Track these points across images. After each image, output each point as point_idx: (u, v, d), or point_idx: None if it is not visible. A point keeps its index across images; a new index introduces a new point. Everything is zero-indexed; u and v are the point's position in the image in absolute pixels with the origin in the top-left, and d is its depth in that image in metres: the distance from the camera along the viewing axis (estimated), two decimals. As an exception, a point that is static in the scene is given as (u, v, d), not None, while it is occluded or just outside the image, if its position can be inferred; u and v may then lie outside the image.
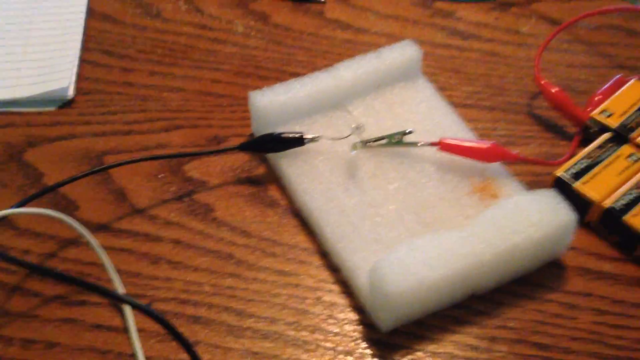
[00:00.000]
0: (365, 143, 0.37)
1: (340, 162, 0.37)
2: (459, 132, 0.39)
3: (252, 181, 0.38)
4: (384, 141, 0.37)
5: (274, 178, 0.38)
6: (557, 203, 0.33)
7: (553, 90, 0.40)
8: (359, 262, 0.33)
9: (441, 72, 0.45)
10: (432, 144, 0.37)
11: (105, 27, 0.47)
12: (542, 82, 0.41)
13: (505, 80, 0.45)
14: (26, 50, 0.44)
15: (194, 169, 0.39)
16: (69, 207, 0.37)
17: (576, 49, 0.47)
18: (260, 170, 0.39)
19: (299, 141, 0.37)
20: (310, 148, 0.37)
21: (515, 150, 0.38)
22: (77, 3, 0.48)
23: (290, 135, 0.37)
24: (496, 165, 0.37)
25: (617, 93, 0.41)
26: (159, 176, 0.38)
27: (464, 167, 0.37)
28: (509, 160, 0.37)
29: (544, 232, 0.32)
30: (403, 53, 0.41)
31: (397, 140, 0.37)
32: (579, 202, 0.35)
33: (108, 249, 0.34)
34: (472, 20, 0.49)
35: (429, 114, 0.40)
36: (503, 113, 0.42)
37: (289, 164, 0.37)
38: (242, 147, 0.38)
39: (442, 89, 0.42)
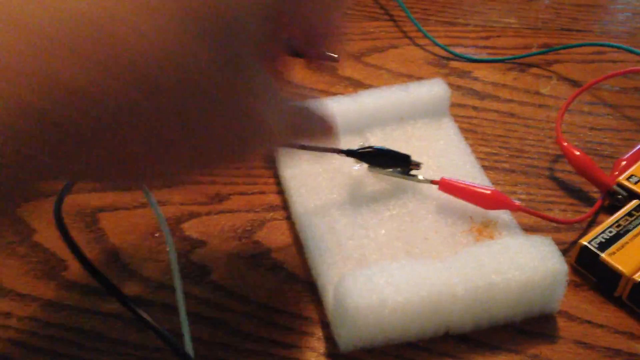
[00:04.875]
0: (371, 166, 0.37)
1: (342, 180, 0.37)
2: (473, 176, 0.37)
3: (254, 242, 0.36)
4: (390, 169, 0.36)
5: (276, 239, 0.36)
6: (550, 251, 0.31)
7: (576, 153, 0.38)
8: (333, 278, 0.31)
9: (457, 133, 0.43)
10: (433, 182, 0.35)
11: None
12: (565, 145, 0.39)
13: (524, 142, 0.42)
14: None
15: (192, 228, 0.36)
16: (59, 265, 0.34)
17: (599, 111, 0.45)
18: (263, 232, 0.36)
19: (404, 161, 0.35)
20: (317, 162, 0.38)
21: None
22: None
23: (400, 153, 0.36)
24: (503, 212, 0.35)
25: (645, 158, 0.38)
26: (155, 235, 0.36)
27: (468, 207, 0.35)
28: (511, 209, 0.35)
29: (527, 277, 0.30)
30: (431, 90, 0.41)
31: (402, 169, 0.36)
32: (606, 274, 0.33)
33: (95, 313, 0.32)
34: (489, 80, 0.47)
35: (445, 153, 0.39)
36: (523, 176, 0.40)
37: (292, 173, 0.37)
38: (349, 153, 0.35)
39: (472, 152, 0.40)
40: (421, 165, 0.36)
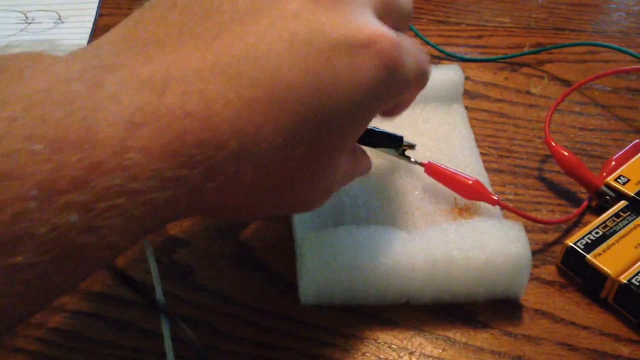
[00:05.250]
0: None
1: None
2: (468, 163, 0.37)
3: (237, 242, 0.35)
4: (382, 148, 0.36)
5: (260, 240, 0.36)
6: (516, 235, 0.31)
7: (565, 154, 0.38)
8: (307, 234, 0.32)
9: (446, 132, 0.42)
10: (421, 164, 0.36)
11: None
12: (553, 145, 0.38)
13: (514, 142, 0.42)
14: None
15: (176, 227, 0.36)
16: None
17: (590, 111, 0.45)
18: (247, 232, 0.36)
19: (396, 142, 0.36)
20: None
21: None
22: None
23: (392, 134, 0.36)
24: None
25: (634, 158, 0.38)
26: (139, 234, 0.36)
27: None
28: (488, 203, 0.35)
29: (487, 257, 0.30)
30: (445, 74, 0.41)
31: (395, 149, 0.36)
32: (592, 276, 0.32)
33: (75, 313, 0.32)
34: (480, 80, 0.47)
35: (447, 138, 0.39)
36: (511, 176, 0.40)
37: None
38: None
39: (475, 140, 0.40)
40: (415, 147, 0.36)
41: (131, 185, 0.18)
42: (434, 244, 0.31)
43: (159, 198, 0.19)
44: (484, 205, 0.35)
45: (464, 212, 0.35)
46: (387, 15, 0.26)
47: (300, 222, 0.34)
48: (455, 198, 0.35)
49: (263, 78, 0.21)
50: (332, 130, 0.24)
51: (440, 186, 0.36)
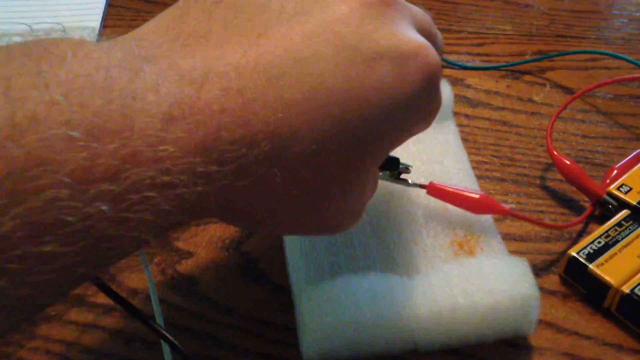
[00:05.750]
0: None
1: None
2: (465, 183, 0.37)
3: (241, 253, 0.36)
4: (379, 173, 0.35)
5: (264, 251, 0.36)
6: (522, 274, 0.30)
7: (567, 162, 0.38)
8: (303, 287, 0.31)
9: (448, 141, 0.43)
10: (422, 186, 0.35)
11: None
12: (555, 153, 0.38)
13: (516, 150, 0.42)
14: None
15: (181, 239, 0.36)
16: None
17: (593, 119, 0.45)
18: (251, 243, 0.36)
19: (393, 164, 0.34)
20: None
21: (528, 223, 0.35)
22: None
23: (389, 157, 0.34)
24: (488, 223, 0.35)
25: (637, 167, 0.38)
26: (143, 246, 0.36)
27: (453, 216, 0.35)
28: (500, 214, 0.35)
29: (495, 301, 0.29)
30: None
31: (391, 174, 0.35)
32: (595, 286, 0.32)
33: (79, 324, 0.32)
34: (482, 88, 0.47)
35: (440, 158, 0.38)
36: (513, 185, 0.40)
37: None
38: None
39: (468, 158, 0.40)
40: (410, 169, 0.35)
41: (163, 178, 0.18)
42: (437, 291, 0.30)
43: (189, 193, 0.19)
44: (483, 236, 0.34)
45: (464, 245, 0.33)
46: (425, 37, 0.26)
47: (295, 268, 0.33)
48: (454, 230, 0.34)
49: (305, 81, 0.21)
50: (369, 141, 0.23)
51: (438, 215, 0.35)
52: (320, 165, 0.22)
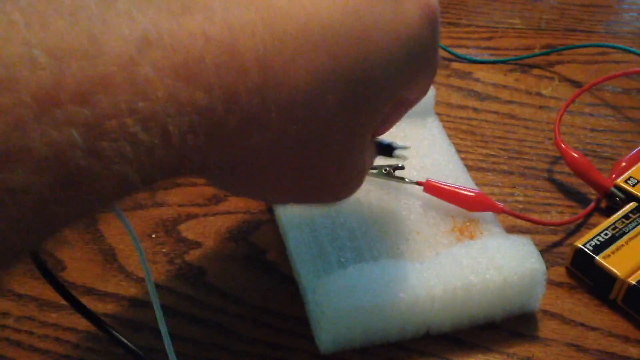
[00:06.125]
0: None
1: None
2: (456, 176, 0.37)
3: (249, 244, 0.36)
4: (374, 171, 0.36)
5: (272, 241, 0.36)
6: (528, 251, 0.31)
7: (574, 155, 0.38)
8: (312, 280, 0.31)
9: (456, 134, 0.43)
10: (418, 183, 0.35)
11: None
12: (563, 146, 0.38)
13: (523, 143, 0.42)
14: None
15: (189, 229, 0.37)
16: (56, 267, 0.35)
17: (601, 112, 0.45)
18: (258, 234, 0.36)
19: (387, 149, 0.33)
20: None
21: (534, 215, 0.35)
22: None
23: (380, 142, 0.33)
24: (487, 213, 0.35)
25: (644, 159, 0.38)
26: (152, 236, 0.36)
27: (451, 206, 0.35)
28: (494, 212, 0.35)
29: (505, 278, 0.30)
30: None
31: (386, 172, 0.36)
32: (601, 277, 0.32)
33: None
34: (490, 82, 0.47)
35: (429, 153, 0.39)
36: (521, 178, 0.40)
37: None
38: None
39: (456, 151, 0.40)
40: (404, 163, 0.35)
41: (141, 104, 0.17)
42: (449, 271, 0.30)
43: (173, 125, 0.18)
44: (482, 220, 0.34)
45: (464, 230, 0.34)
46: None
47: (302, 264, 0.33)
48: (452, 217, 0.35)
49: (297, 12, 0.19)
50: (369, 84, 0.22)
51: (436, 205, 0.35)
52: (319, 106, 0.21)
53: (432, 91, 0.41)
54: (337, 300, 0.29)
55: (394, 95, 0.24)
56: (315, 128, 0.21)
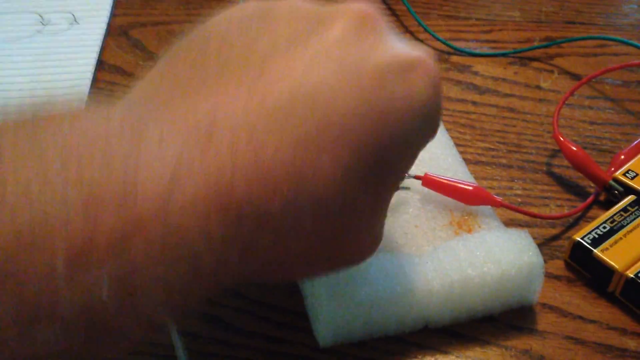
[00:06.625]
0: None
1: None
2: (455, 169, 0.37)
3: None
4: None
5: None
6: (525, 244, 0.31)
7: (573, 148, 0.38)
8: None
9: (454, 128, 0.43)
10: (416, 177, 0.35)
11: (115, 78, 0.47)
12: (561, 139, 0.38)
13: (522, 136, 0.42)
14: (33, 102, 0.44)
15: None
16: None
17: (600, 105, 0.45)
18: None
19: None
20: None
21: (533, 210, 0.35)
22: (87, 55, 0.48)
23: None
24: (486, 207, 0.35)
25: (643, 152, 0.38)
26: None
27: (449, 200, 0.35)
28: (492, 205, 0.35)
29: (502, 271, 0.30)
30: None
31: None
32: (599, 270, 0.33)
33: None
34: (489, 75, 0.47)
35: (427, 146, 0.38)
36: (520, 171, 0.40)
37: None
38: None
39: (454, 145, 0.40)
40: None
41: (174, 250, 0.17)
42: (447, 265, 0.31)
43: (204, 262, 0.18)
44: (480, 214, 0.35)
45: (462, 224, 0.34)
46: None
47: None
48: (451, 211, 0.35)
49: (314, 114, 0.20)
50: (391, 158, 0.22)
51: (434, 199, 0.35)
52: (349, 193, 0.21)
53: None
54: (336, 293, 0.29)
55: (413, 159, 0.25)
56: (346, 212, 0.22)
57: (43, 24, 0.50)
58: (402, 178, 0.25)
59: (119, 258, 0.16)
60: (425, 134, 0.25)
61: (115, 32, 0.51)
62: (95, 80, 0.46)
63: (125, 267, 0.16)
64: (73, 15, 0.51)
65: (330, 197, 0.20)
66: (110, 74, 0.47)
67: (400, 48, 0.23)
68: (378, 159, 0.22)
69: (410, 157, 0.25)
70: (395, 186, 0.25)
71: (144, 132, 0.18)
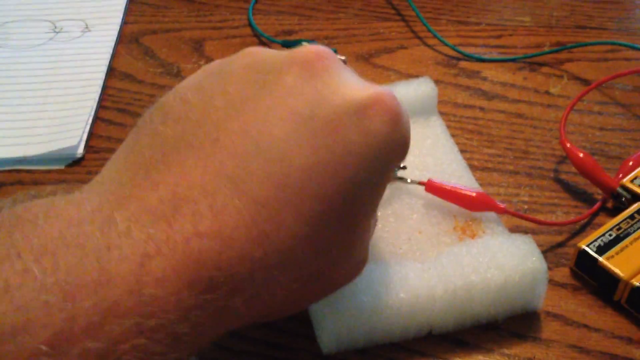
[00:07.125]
0: None
1: None
2: (459, 175, 0.37)
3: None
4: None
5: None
6: (529, 250, 0.31)
7: (580, 155, 0.38)
8: None
9: (462, 134, 0.43)
10: (420, 183, 0.35)
11: (125, 85, 0.48)
12: (568, 146, 0.38)
13: (530, 143, 0.42)
14: (43, 109, 0.44)
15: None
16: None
17: (610, 110, 0.44)
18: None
19: None
20: None
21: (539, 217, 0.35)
22: (98, 63, 0.48)
23: None
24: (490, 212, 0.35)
25: (652, 159, 0.38)
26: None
27: (453, 205, 0.35)
28: (496, 212, 0.35)
29: (506, 277, 0.30)
30: (418, 88, 0.41)
31: None
32: (605, 278, 0.32)
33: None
34: (498, 80, 0.47)
35: (432, 152, 0.39)
36: (527, 178, 0.40)
37: None
38: None
39: (461, 151, 0.40)
40: (406, 162, 0.35)
41: (149, 322, 0.18)
42: (450, 271, 0.30)
43: (181, 328, 0.18)
44: (483, 220, 0.35)
45: (466, 229, 0.34)
46: None
47: None
48: (454, 216, 0.35)
49: (272, 172, 0.20)
50: (356, 201, 0.22)
51: (438, 204, 0.35)
52: (319, 242, 0.22)
53: (434, 90, 0.41)
54: (339, 300, 0.29)
55: (383, 186, 0.25)
56: (321, 254, 0.22)
57: (56, 32, 0.51)
58: (377, 203, 0.25)
59: (98, 337, 0.17)
60: (391, 164, 0.25)
61: (126, 39, 0.51)
62: (105, 87, 0.47)
63: (105, 341, 0.17)
64: (85, 22, 0.52)
65: (299, 249, 0.21)
66: (120, 80, 0.48)
67: (353, 88, 0.23)
68: (343, 200, 0.22)
69: (379, 186, 0.24)
70: (371, 213, 0.25)
71: (113, 216, 0.19)
